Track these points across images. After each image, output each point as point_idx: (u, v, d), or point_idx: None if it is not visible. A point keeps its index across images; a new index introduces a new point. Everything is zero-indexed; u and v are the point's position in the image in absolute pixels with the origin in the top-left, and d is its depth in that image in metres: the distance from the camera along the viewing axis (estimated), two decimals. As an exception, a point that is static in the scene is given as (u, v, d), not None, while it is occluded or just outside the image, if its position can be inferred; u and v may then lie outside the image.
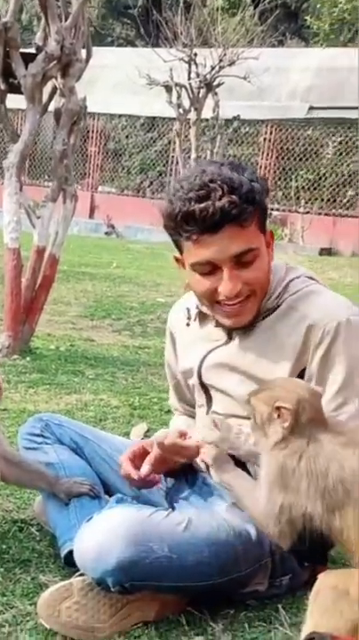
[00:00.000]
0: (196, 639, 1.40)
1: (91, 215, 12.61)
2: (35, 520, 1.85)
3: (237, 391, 1.53)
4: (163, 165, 12.70)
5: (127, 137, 13.03)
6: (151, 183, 12.91)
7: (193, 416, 1.77)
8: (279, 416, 1.29)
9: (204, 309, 1.59)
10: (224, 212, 1.39)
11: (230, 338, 1.57)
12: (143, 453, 1.58)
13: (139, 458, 1.58)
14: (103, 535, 1.34)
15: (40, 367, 3.56)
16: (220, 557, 1.41)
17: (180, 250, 1.51)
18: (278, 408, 1.29)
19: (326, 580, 1.24)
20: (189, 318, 1.65)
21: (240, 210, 1.39)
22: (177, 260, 1.56)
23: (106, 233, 11.73)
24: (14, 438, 2.49)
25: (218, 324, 1.58)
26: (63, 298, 5.57)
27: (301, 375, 1.48)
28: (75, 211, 3.88)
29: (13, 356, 3.66)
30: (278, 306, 1.52)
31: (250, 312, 1.50)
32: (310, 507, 1.25)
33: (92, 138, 12.85)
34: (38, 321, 3.91)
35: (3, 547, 1.71)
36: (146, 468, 1.54)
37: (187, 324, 1.65)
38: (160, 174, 12.77)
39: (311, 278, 1.57)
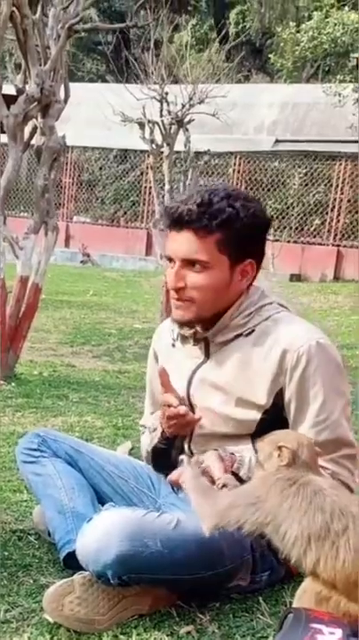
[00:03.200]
0: (186, 628, 1.54)
1: (67, 244, 12.78)
2: (33, 530, 1.98)
3: (219, 409, 1.68)
4: (137, 195, 12.98)
5: (101, 168, 13.30)
6: (125, 213, 13.16)
7: None
8: (279, 455, 1.40)
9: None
10: (181, 215, 1.61)
11: (207, 356, 1.73)
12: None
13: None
14: (103, 532, 1.48)
15: (25, 392, 3.68)
16: (206, 553, 1.55)
17: None
18: (280, 447, 1.41)
19: (312, 585, 1.35)
20: (174, 338, 1.81)
21: (196, 218, 1.59)
22: None
23: (81, 262, 11.89)
24: (5, 458, 2.64)
25: (195, 342, 1.75)
26: (43, 326, 5.70)
27: (279, 394, 1.63)
28: (56, 242, 4.05)
29: (-1, 383, 3.79)
30: (252, 330, 1.67)
31: (188, 313, 1.67)
32: (285, 526, 1.33)
33: (67, 169, 13.09)
34: (22, 348, 4.04)
35: (5, 553, 1.84)
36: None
37: (173, 345, 1.81)
38: (133, 204, 13.04)
39: (282, 306, 1.74)
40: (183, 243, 1.62)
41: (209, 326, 1.70)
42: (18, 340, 3.94)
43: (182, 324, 1.72)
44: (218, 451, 1.59)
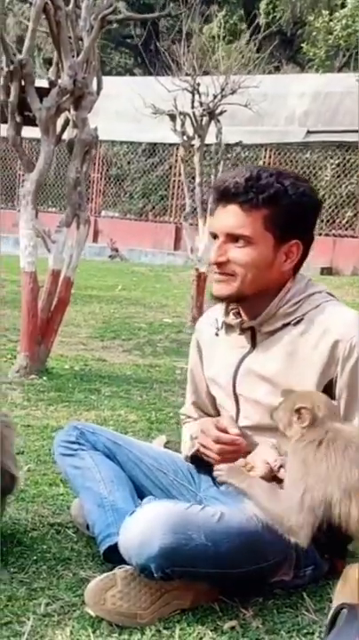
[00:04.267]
0: (230, 623, 1.52)
1: (95, 239, 12.81)
2: (71, 523, 1.96)
3: (266, 401, 1.64)
4: (165, 190, 12.95)
5: (129, 163, 13.30)
6: (153, 207, 13.14)
7: None
8: (299, 418, 1.42)
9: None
10: (228, 188, 1.59)
11: (254, 346, 1.69)
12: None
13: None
14: (146, 525, 1.47)
15: (57, 386, 3.68)
16: (250, 547, 1.52)
17: None
18: (298, 410, 1.42)
19: (352, 573, 1.34)
20: (218, 328, 1.77)
21: (242, 191, 1.57)
22: None
23: (110, 256, 11.91)
24: (40, 451, 2.64)
25: (241, 331, 1.71)
26: (72, 320, 5.71)
27: (328, 386, 1.59)
28: (89, 234, 4.04)
29: (31, 376, 3.79)
30: (301, 319, 1.63)
31: (229, 289, 1.65)
32: (329, 490, 1.33)
33: (95, 164, 13.11)
34: (54, 342, 4.05)
35: (44, 547, 1.83)
36: (234, 430, 1.66)
37: (216, 334, 1.78)
38: (162, 198, 13.02)
39: (330, 294, 1.70)
40: (228, 217, 1.60)
41: (253, 313, 1.67)
42: (49, 334, 3.95)
43: (222, 300, 1.69)
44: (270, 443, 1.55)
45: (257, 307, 1.66)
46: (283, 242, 1.62)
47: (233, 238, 1.61)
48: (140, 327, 5.81)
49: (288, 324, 1.65)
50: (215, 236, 1.65)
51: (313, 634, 1.49)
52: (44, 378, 3.81)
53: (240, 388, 1.71)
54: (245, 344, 1.71)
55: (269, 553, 1.56)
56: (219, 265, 1.63)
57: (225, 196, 1.60)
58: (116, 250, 12.03)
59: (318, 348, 1.59)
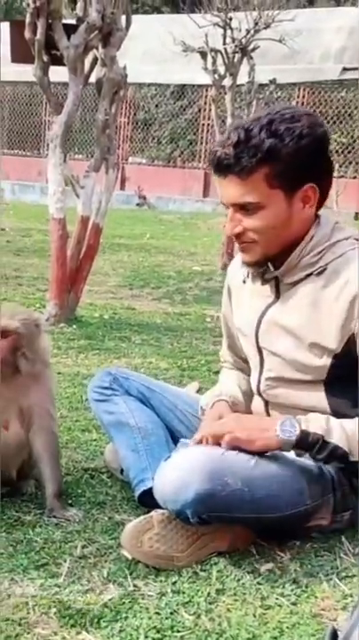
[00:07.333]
0: (267, 566, 1.51)
1: (122, 187, 12.64)
2: (105, 468, 1.96)
3: (288, 355, 1.59)
4: (194, 134, 12.64)
5: (157, 106, 12.97)
6: (182, 152, 12.86)
7: (243, 370, 1.83)
8: None
9: None
10: (219, 161, 1.50)
11: (278, 296, 1.62)
12: None
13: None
14: (182, 471, 1.44)
15: (87, 334, 3.67)
16: (287, 491, 1.50)
17: None
18: None
19: None
20: (245, 275, 1.71)
21: (234, 162, 1.47)
22: None
23: (137, 204, 11.77)
24: (72, 398, 2.64)
25: (264, 281, 1.64)
26: (101, 269, 5.67)
27: (351, 340, 1.51)
28: (117, 180, 3.96)
29: (60, 325, 3.78)
30: (324, 269, 1.55)
31: (254, 254, 1.58)
32: None
33: (122, 108, 12.82)
34: (83, 290, 4.02)
35: (79, 491, 1.83)
36: None
37: (244, 282, 1.72)
38: (190, 143, 12.72)
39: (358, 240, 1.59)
40: (229, 188, 1.51)
41: (280, 263, 1.59)
42: (79, 282, 3.91)
43: (252, 266, 1.63)
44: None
45: (284, 257, 1.58)
46: (294, 191, 1.51)
47: (242, 207, 1.52)
48: (169, 275, 5.76)
49: (311, 274, 1.56)
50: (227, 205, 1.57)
51: (352, 577, 1.47)
52: (74, 326, 3.80)
53: (262, 340, 1.65)
54: (270, 294, 1.64)
55: (307, 497, 1.54)
56: (238, 236, 1.56)
57: (219, 168, 1.50)
58: (144, 197, 11.87)
59: (339, 300, 1.51)
